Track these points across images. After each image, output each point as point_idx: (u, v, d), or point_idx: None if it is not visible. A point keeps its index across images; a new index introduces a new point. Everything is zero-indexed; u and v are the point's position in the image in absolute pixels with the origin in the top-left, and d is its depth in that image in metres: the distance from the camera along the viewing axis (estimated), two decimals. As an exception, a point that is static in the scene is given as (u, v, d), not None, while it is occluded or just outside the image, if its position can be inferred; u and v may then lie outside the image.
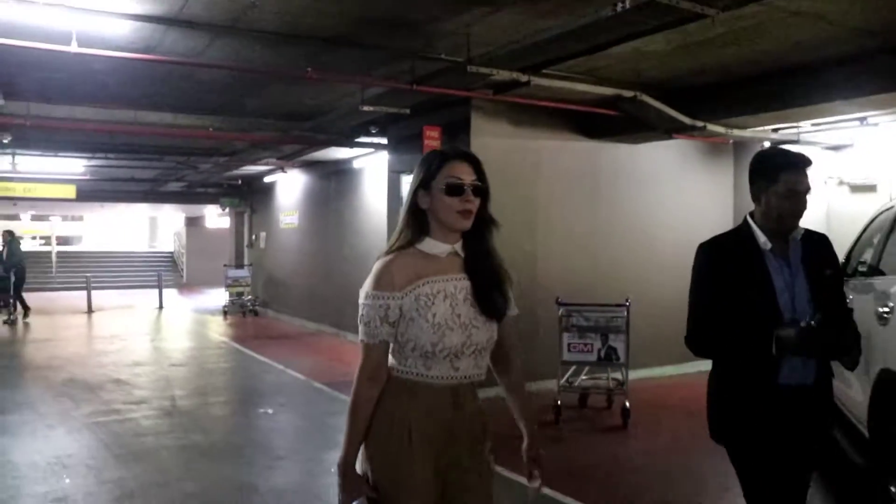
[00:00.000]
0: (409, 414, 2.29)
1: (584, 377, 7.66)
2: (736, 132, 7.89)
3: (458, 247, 2.35)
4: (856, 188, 8.88)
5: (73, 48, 5.49)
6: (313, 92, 7.92)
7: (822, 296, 2.75)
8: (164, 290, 19.96)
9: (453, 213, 2.28)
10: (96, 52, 5.78)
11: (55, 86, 7.91)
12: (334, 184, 13.78)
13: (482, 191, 2.31)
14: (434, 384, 2.31)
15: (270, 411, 7.79)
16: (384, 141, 9.93)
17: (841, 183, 9.02)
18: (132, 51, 6.16)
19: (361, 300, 2.32)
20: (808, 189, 2.74)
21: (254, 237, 19.06)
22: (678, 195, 9.74)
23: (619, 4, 4.27)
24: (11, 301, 15.99)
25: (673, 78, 7.13)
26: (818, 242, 2.88)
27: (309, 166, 14.48)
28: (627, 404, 6.95)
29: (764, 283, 2.73)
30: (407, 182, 9.54)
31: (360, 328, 2.33)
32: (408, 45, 5.99)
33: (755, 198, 2.83)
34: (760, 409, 2.71)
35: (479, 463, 2.39)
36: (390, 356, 2.35)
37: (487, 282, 2.35)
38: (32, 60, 6.68)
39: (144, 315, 17.86)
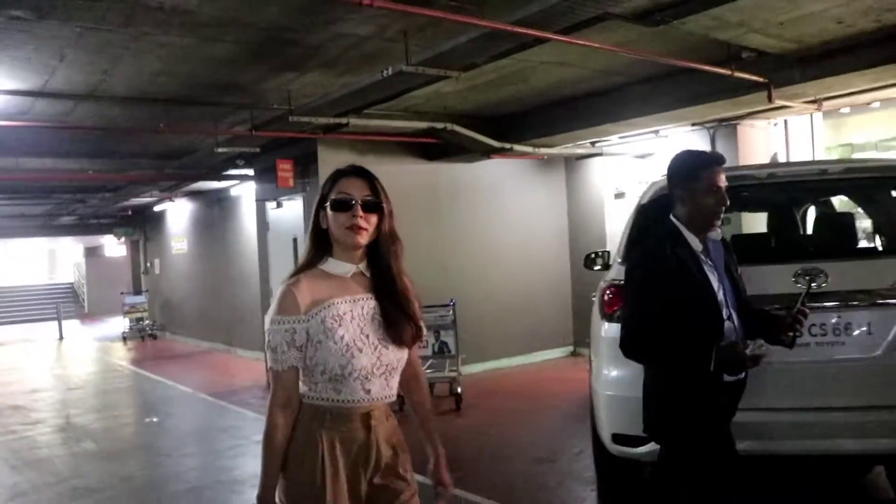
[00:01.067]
0: (321, 441, 2.24)
1: (428, 370, 8.95)
2: (543, 150, 9.39)
3: (362, 266, 2.33)
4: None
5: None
6: (176, 137, 9.03)
7: (739, 294, 2.99)
8: (67, 321, 20.49)
9: (342, 229, 2.25)
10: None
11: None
12: (217, 210, 14.79)
13: (374, 206, 2.28)
14: (345, 408, 2.27)
15: (156, 419, 8.83)
16: (251, 172, 11.07)
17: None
18: (7, 117, 7.18)
19: (267, 326, 2.28)
20: (725, 186, 2.90)
21: (148, 264, 19.79)
22: (516, 204, 11.11)
23: (384, 72, 5.61)
24: None
25: (479, 109, 8.57)
26: (726, 243, 3.09)
27: (193, 195, 15.42)
28: (459, 390, 8.23)
29: (705, 283, 2.86)
30: (271, 209, 10.75)
31: (268, 355, 2.29)
32: (242, 100, 7.22)
33: (678, 200, 2.95)
34: (708, 403, 2.87)
35: (397, 482, 2.34)
36: (301, 383, 2.30)
37: (393, 305, 2.31)
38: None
39: (44, 346, 18.36)
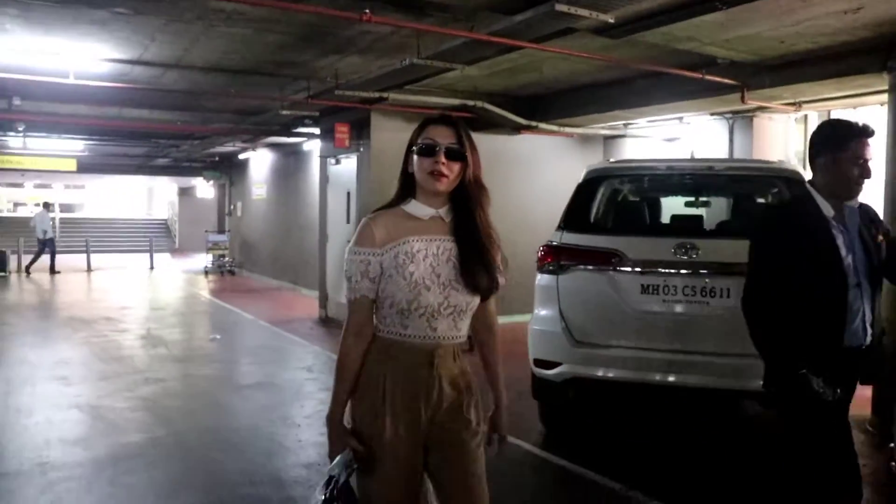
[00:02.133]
0: (386, 373, 2.31)
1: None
2: (569, 129, 10.50)
3: (443, 212, 2.35)
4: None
5: (71, 80, 8.17)
6: (248, 100, 10.54)
7: (877, 261, 2.93)
8: (159, 255, 22.72)
9: (424, 174, 2.27)
10: (86, 83, 8.45)
11: (60, 92, 10.56)
12: (291, 162, 16.40)
13: (459, 154, 2.28)
14: (410, 344, 2.31)
15: (218, 337, 10.51)
16: (317, 131, 12.53)
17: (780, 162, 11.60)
18: (111, 79, 8.80)
19: (346, 257, 2.35)
20: (871, 157, 2.88)
21: (232, 206, 21.73)
22: (553, 176, 12.11)
23: (402, 62, 6.89)
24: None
25: (507, 89, 9.74)
26: (868, 210, 3.03)
27: (273, 147, 17.07)
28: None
29: (831, 248, 2.83)
30: (331, 165, 12.19)
31: (345, 285, 2.37)
32: (299, 74, 8.63)
33: (819, 167, 2.95)
34: (827, 368, 2.81)
35: (458, 421, 2.36)
36: (374, 317, 2.36)
37: (472, 253, 2.33)
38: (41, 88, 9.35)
39: (137, 275, 20.57)
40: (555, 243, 5.27)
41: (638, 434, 5.88)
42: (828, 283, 2.80)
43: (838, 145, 2.86)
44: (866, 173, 2.86)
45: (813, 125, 10.58)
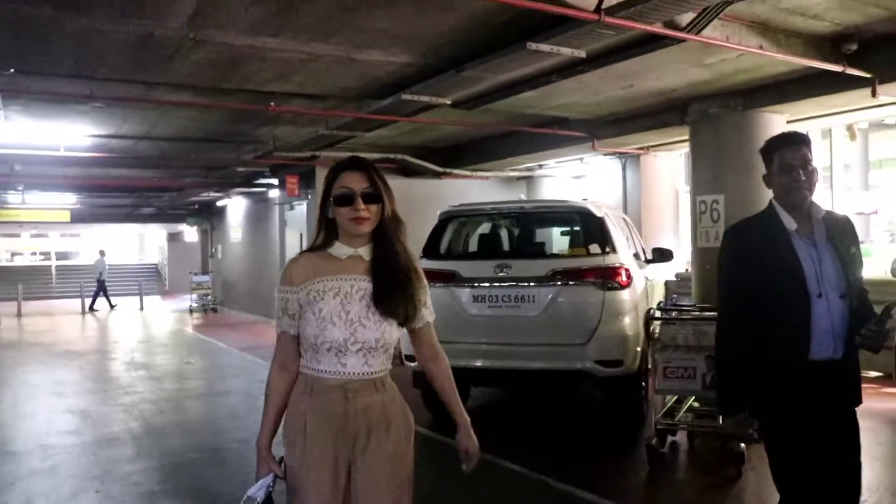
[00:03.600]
0: (306, 408, 2.44)
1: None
2: (480, 173, 12.50)
3: (362, 250, 2.47)
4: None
5: (62, 152, 10.20)
6: (210, 159, 12.57)
7: (849, 273, 2.84)
8: (149, 296, 24.60)
9: (346, 220, 2.41)
10: (74, 154, 10.47)
11: (53, 160, 12.57)
12: (261, 209, 18.37)
13: (375, 197, 2.41)
14: (324, 379, 2.43)
15: (192, 361, 12.37)
16: (276, 182, 14.53)
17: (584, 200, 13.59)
18: (94, 150, 10.81)
19: (275, 294, 2.55)
20: (802, 163, 2.85)
21: (213, 249, 23.67)
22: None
23: (317, 131, 8.90)
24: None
25: (425, 143, 11.73)
26: (841, 222, 2.98)
27: (245, 194, 19.06)
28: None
29: (791, 260, 2.81)
30: (286, 210, 14.18)
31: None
32: (245, 139, 10.65)
33: (768, 182, 2.99)
34: (792, 383, 2.79)
35: (380, 451, 2.44)
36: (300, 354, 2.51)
37: (390, 283, 2.42)
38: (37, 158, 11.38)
39: (127, 315, 22.45)
40: (417, 267, 7.17)
41: (507, 412, 7.77)
42: (789, 295, 2.79)
43: (768, 158, 2.94)
44: (795, 178, 2.84)
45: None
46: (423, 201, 13.68)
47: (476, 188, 13.67)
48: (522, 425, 7.28)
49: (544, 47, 5.50)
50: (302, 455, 2.43)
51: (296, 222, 13.70)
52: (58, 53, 6.15)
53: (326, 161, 11.44)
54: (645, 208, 11.94)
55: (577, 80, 6.98)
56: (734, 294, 2.95)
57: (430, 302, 2.59)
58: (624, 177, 12.50)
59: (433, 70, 6.70)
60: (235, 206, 20.58)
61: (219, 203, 21.44)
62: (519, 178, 13.85)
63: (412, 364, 7.01)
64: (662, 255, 7.94)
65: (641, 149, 10.18)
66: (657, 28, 5.21)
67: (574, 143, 9.67)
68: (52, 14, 5.16)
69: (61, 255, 42.28)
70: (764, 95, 7.73)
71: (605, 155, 12.02)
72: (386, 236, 2.47)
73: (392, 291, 2.43)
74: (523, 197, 10.87)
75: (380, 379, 2.49)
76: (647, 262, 7.73)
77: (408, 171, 12.95)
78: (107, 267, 23.77)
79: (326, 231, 2.52)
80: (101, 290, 23.22)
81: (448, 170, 12.02)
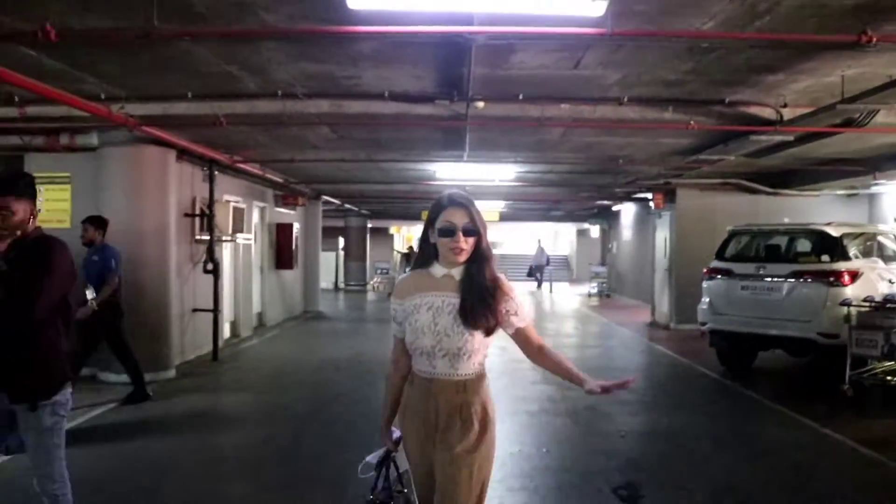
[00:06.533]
0: (407, 395, 3.03)
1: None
2: (806, 192, 15.18)
3: (455, 271, 2.90)
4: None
5: (496, 182, 15.58)
6: (596, 182, 17.09)
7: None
8: (558, 283, 30.43)
9: (446, 249, 2.86)
10: (503, 183, 15.85)
11: (488, 189, 18.22)
12: (644, 213, 22.38)
13: (474, 232, 2.84)
14: (418, 375, 2.95)
15: (577, 328, 17.07)
16: (650, 195, 18.54)
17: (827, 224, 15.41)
18: (518, 181, 16.10)
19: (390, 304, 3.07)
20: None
21: (610, 245, 28.42)
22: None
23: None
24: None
25: (760, 169, 14.82)
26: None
27: (633, 201, 23.19)
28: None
29: None
30: (657, 218, 18.11)
31: None
32: (619, 172, 14.93)
33: None
34: None
35: (449, 441, 2.85)
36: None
37: (473, 299, 2.84)
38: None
39: (541, 296, 28.30)
40: (710, 266, 10.89)
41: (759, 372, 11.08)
42: None
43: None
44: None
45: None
46: (767, 213, 16.82)
47: (811, 206, 16.06)
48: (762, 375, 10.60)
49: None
50: (402, 429, 3.05)
51: (663, 227, 17.60)
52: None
53: (678, 184, 15.35)
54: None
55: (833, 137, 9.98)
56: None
57: (522, 311, 2.96)
58: None
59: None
60: (627, 211, 24.88)
61: (614, 208, 25.96)
62: (849, 196, 16.02)
63: (703, 328, 10.77)
64: None
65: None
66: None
67: (852, 175, 12.31)
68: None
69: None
70: None
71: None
72: (479, 262, 2.89)
73: (474, 307, 2.83)
74: (787, 220, 12.65)
75: (464, 381, 2.88)
76: None
77: (750, 189, 16.13)
78: (547, 255, 31.14)
79: (428, 253, 2.97)
80: (539, 271, 30.19)
81: (777, 190, 15.03)
